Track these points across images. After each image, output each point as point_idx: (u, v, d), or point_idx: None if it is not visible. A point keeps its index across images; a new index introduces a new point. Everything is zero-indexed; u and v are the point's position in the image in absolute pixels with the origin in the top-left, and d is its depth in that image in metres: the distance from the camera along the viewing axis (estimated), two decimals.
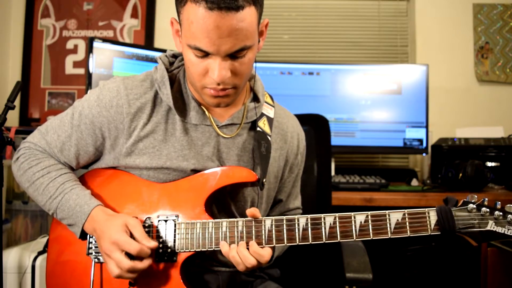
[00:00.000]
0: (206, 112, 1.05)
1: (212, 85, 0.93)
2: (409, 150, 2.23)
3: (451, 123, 2.40)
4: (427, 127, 2.21)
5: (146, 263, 0.93)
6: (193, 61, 0.92)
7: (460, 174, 1.87)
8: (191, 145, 1.02)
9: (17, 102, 1.90)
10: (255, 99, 1.11)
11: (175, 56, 1.11)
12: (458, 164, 1.92)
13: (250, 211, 0.95)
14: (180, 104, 1.04)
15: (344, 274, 1.17)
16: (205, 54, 0.90)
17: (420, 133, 2.21)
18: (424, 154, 2.25)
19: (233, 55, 0.90)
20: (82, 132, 1.04)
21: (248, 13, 0.87)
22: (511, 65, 2.48)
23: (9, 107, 1.34)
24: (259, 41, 0.98)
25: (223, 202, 1.06)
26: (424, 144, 2.20)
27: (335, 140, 2.21)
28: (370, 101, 2.23)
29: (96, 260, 1.00)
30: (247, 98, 1.11)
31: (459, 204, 0.91)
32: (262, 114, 1.11)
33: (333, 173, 2.21)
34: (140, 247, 0.91)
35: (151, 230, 0.99)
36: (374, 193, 1.84)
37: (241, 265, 0.93)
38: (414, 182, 2.17)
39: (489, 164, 2.04)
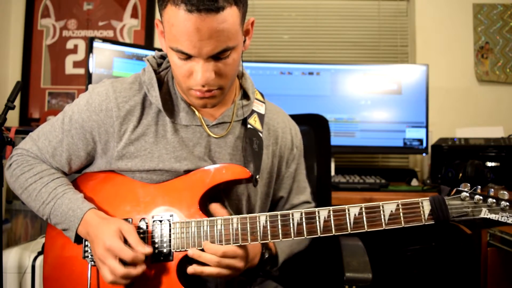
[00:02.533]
0: (196, 113, 1.05)
1: (197, 86, 0.93)
2: (409, 150, 2.22)
3: (451, 123, 2.40)
4: (427, 127, 2.21)
5: (139, 269, 0.92)
6: (177, 63, 0.92)
7: (460, 174, 1.87)
8: (182, 146, 1.02)
9: (17, 102, 1.90)
10: (245, 96, 1.12)
11: (163, 57, 1.11)
12: (458, 164, 1.92)
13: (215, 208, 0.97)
14: (170, 105, 1.04)
15: (344, 273, 1.17)
16: (188, 57, 0.89)
17: (420, 133, 2.21)
18: (424, 154, 2.25)
19: (216, 57, 0.90)
20: (73, 137, 1.03)
21: (230, 14, 0.86)
22: (511, 65, 2.48)
23: (9, 107, 1.34)
24: (244, 40, 0.97)
25: (217, 200, 1.05)
26: (424, 144, 2.20)
27: (335, 140, 2.21)
28: (370, 101, 2.23)
29: (92, 263, 0.99)
30: (236, 96, 1.11)
31: (452, 193, 0.91)
32: (253, 111, 1.11)
33: (333, 173, 2.21)
34: (134, 254, 0.91)
35: (146, 231, 0.99)
36: (374, 193, 1.84)
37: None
38: (414, 182, 2.17)
39: (489, 164, 2.04)
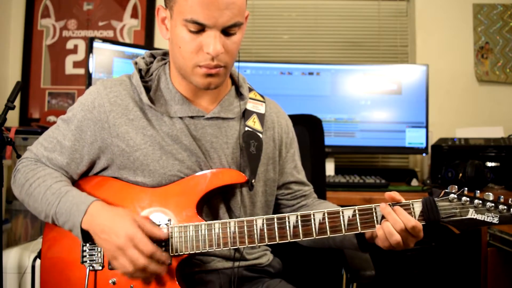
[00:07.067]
0: (192, 106, 1.05)
1: (205, 61, 0.95)
2: (409, 150, 2.22)
3: (451, 123, 2.40)
4: (427, 127, 2.20)
5: (161, 269, 0.92)
6: (186, 38, 0.94)
7: (460, 174, 1.87)
8: (179, 143, 1.03)
9: (17, 102, 1.90)
10: (238, 94, 1.13)
11: (153, 55, 1.12)
12: (458, 164, 1.92)
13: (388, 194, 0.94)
14: (163, 100, 1.05)
15: (347, 270, 1.17)
16: (201, 29, 0.92)
17: (420, 133, 2.21)
18: (424, 154, 2.25)
19: (226, 31, 0.94)
20: (70, 141, 1.04)
21: None
22: (511, 65, 2.48)
23: (9, 107, 1.34)
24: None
25: (214, 204, 1.06)
26: (424, 144, 2.20)
27: (335, 140, 2.21)
28: (370, 101, 2.23)
29: (90, 268, 0.99)
30: (229, 90, 1.12)
31: (441, 195, 0.94)
32: (252, 112, 1.12)
33: (333, 173, 2.21)
34: (153, 248, 0.90)
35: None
36: (374, 193, 1.84)
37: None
38: (414, 182, 2.17)
39: (489, 164, 2.04)
